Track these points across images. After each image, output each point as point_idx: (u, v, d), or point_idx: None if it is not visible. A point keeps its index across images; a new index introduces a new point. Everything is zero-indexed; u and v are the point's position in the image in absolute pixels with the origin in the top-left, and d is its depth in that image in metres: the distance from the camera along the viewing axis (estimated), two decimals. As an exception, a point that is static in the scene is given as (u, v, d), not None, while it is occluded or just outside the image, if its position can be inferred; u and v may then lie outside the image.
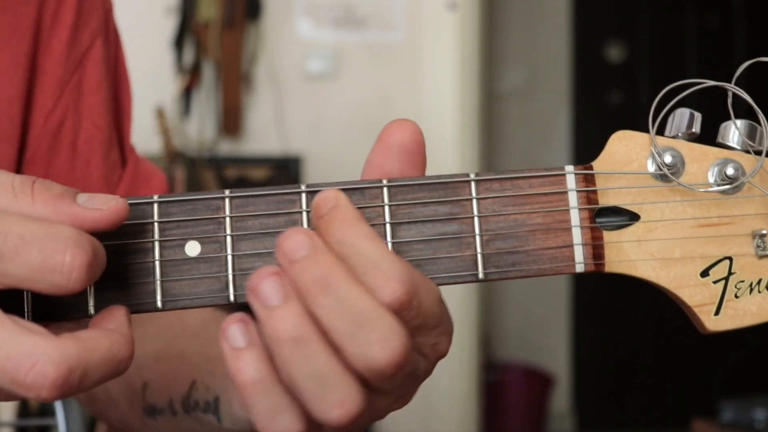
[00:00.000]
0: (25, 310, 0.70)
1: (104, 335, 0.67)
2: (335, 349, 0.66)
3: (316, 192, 0.72)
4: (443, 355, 0.72)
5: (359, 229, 0.67)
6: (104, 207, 0.68)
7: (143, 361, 1.01)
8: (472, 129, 4.60)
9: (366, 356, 0.65)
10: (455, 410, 4.40)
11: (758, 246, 0.70)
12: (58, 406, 1.37)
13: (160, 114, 4.13)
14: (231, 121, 4.50)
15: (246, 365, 0.67)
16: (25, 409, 3.09)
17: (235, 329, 0.68)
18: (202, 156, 4.37)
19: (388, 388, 0.69)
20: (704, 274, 0.70)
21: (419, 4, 4.54)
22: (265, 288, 0.66)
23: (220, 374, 0.93)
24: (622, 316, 5.78)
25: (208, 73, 4.47)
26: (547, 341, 5.83)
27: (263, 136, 4.52)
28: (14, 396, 0.67)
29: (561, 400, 5.75)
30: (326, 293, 0.65)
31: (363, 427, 0.73)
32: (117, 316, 0.70)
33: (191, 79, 4.44)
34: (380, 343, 0.65)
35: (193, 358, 0.98)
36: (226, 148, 4.51)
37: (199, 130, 4.46)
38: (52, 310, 0.71)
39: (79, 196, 0.68)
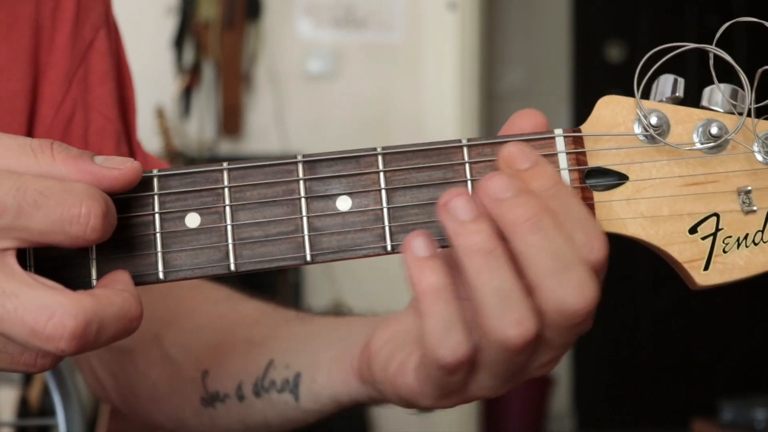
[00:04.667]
0: None
1: (115, 293, 0.69)
2: (528, 288, 0.69)
3: (312, 162, 0.74)
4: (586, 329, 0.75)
5: (565, 187, 0.71)
6: (122, 167, 0.71)
7: (199, 352, 1.02)
8: (472, 129, 4.60)
9: (560, 298, 0.68)
10: (455, 410, 4.40)
11: (744, 202, 0.71)
12: (58, 406, 1.37)
13: (160, 114, 4.14)
14: (231, 121, 4.51)
15: (428, 273, 0.70)
16: (25, 409, 3.09)
17: (419, 241, 0.71)
18: (202, 156, 4.38)
19: (558, 341, 0.72)
20: (692, 230, 0.72)
21: (419, 4, 4.55)
22: (458, 204, 0.70)
23: (303, 352, 0.94)
24: (622, 316, 5.78)
25: (208, 73, 4.48)
26: (548, 341, 5.82)
27: (263, 136, 4.52)
28: (33, 356, 0.69)
29: (561, 400, 5.75)
30: (535, 231, 0.68)
31: (502, 390, 0.76)
32: (122, 278, 0.72)
33: (191, 79, 4.45)
34: (577, 288, 0.68)
35: (267, 342, 0.98)
36: (226, 148, 4.52)
37: (199, 130, 4.47)
38: (54, 275, 0.72)
39: (96, 158, 0.71)
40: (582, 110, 5.76)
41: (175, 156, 4.20)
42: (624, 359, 5.82)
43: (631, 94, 0.72)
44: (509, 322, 0.69)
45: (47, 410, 2.97)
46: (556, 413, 5.68)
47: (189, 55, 4.44)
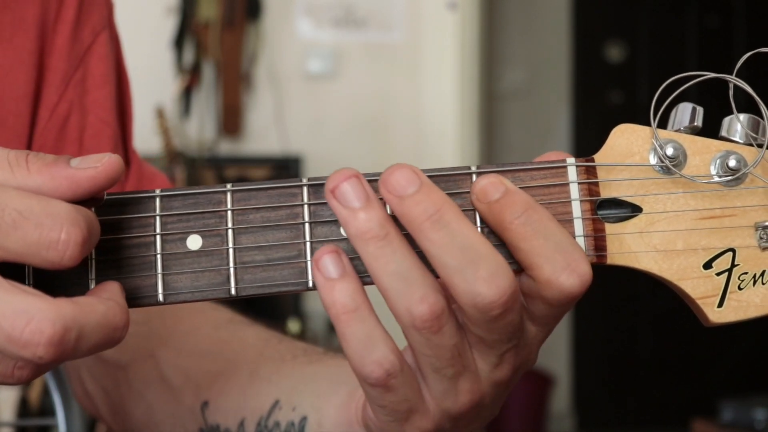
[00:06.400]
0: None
1: (100, 301, 0.67)
2: (442, 284, 0.68)
3: (317, 185, 0.72)
4: (551, 330, 0.74)
5: (537, 212, 0.69)
6: (98, 164, 0.68)
7: (199, 379, 0.99)
8: (472, 129, 4.60)
9: (473, 291, 0.66)
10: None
11: (761, 238, 0.69)
12: (58, 406, 1.37)
13: (160, 114, 4.13)
14: (231, 121, 4.51)
15: (341, 295, 0.68)
16: (25, 408, 3.09)
17: (328, 260, 0.69)
18: (202, 156, 4.37)
19: (492, 338, 0.70)
20: (707, 266, 0.70)
21: (419, 4, 4.55)
22: (346, 189, 0.68)
23: (310, 394, 0.91)
24: (622, 316, 5.79)
25: (208, 73, 4.48)
26: (547, 341, 5.80)
27: (263, 136, 4.52)
28: (10, 366, 0.66)
29: (561, 400, 5.75)
30: (438, 229, 0.67)
31: (462, 399, 0.73)
32: (111, 288, 0.70)
33: (191, 79, 4.44)
34: (488, 280, 0.66)
35: (272, 378, 0.96)
36: (226, 148, 4.52)
37: (199, 130, 4.47)
38: (53, 293, 0.71)
39: (72, 160, 0.69)
40: (582, 110, 5.76)
41: (175, 156, 4.20)
42: (624, 359, 5.82)
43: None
44: (414, 301, 0.67)
45: (47, 410, 2.97)
46: (556, 413, 5.68)
47: (189, 55, 4.44)
